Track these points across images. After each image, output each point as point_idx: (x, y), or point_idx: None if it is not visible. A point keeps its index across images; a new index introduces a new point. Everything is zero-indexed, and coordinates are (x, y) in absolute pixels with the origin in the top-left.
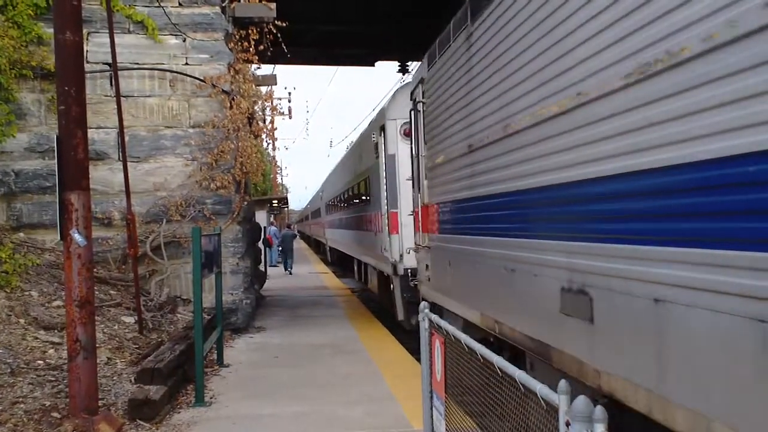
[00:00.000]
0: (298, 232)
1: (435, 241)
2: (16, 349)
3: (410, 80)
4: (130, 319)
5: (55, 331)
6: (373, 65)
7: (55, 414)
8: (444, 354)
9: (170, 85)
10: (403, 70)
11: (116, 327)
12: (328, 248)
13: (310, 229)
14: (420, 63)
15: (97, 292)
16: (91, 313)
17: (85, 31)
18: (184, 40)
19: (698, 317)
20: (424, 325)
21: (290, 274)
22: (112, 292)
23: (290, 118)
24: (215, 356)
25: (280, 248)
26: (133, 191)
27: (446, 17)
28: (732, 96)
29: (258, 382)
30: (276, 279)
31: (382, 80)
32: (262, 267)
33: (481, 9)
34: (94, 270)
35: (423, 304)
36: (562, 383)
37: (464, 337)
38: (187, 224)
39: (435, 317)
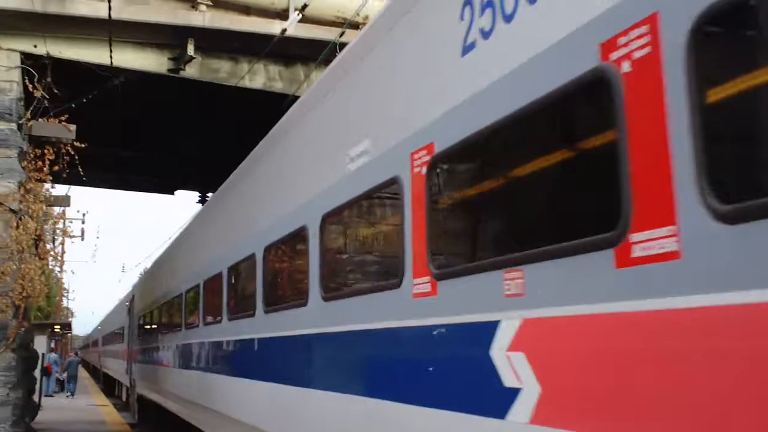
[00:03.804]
0: (82, 359)
1: None
2: None
3: None
4: None
5: None
6: (173, 193)
7: None
8: None
9: None
10: (203, 200)
11: None
12: (132, 396)
13: (100, 359)
14: None
15: None
16: None
17: None
18: None
19: None
20: None
21: (72, 396)
22: None
23: (82, 240)
24: None
25: (65, 374)
26: None
27: (241, 155)
28: None
29: None
30: (51, 410)
31: (182, 208)
32: (35, 397)
33: None
34: None
35: None
36: None
37: None
38: None
39: None
